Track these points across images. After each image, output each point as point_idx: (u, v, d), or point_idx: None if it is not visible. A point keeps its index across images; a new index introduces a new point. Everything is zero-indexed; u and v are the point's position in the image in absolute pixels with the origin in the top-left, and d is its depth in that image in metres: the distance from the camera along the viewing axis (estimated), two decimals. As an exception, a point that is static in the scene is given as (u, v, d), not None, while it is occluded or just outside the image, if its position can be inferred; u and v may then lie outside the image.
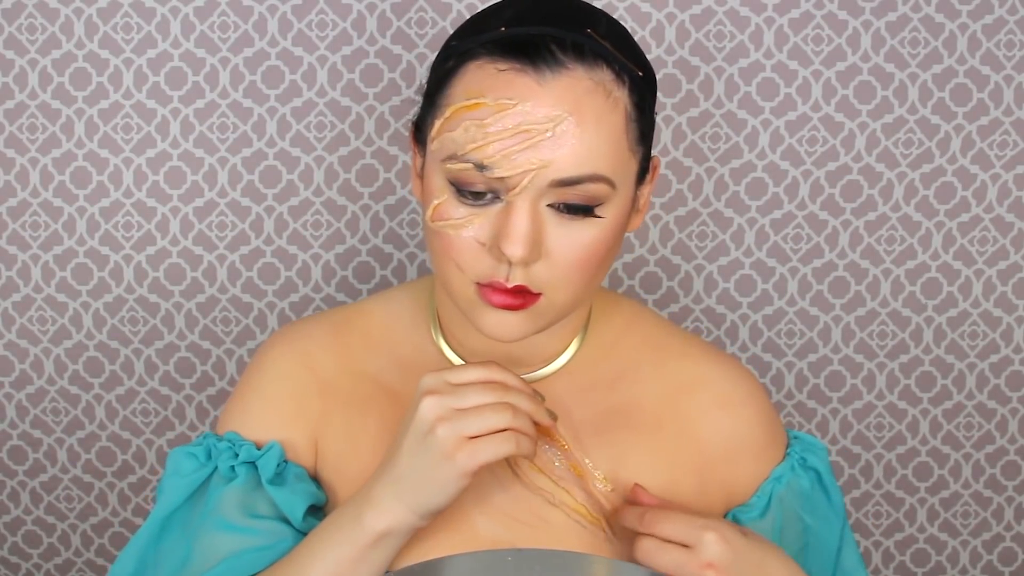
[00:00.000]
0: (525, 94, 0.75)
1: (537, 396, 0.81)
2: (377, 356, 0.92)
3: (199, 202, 1.27)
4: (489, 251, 0.77)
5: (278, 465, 0.87)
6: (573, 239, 0.77)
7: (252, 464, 0.88)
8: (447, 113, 0.77)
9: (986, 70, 1.25)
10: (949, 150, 1.28)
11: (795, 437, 0.94)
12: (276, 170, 1.27)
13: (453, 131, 0.76)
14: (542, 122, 0.74)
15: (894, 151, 1.28)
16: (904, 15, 1.24)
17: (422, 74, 1.24)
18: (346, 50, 1.23)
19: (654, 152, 1.30)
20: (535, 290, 0.78)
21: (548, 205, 0.76)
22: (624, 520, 0.83)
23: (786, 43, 1.24)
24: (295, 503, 0.86)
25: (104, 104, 1.24)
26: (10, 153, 1.25)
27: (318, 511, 0.90)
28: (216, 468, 0.88)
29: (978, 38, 1.25)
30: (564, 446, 0.87)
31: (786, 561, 0.83)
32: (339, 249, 1.29)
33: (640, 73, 0.79)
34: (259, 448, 0.88)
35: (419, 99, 0.83)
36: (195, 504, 0.89)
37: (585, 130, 0.75)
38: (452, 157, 0.76)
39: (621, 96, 0.77)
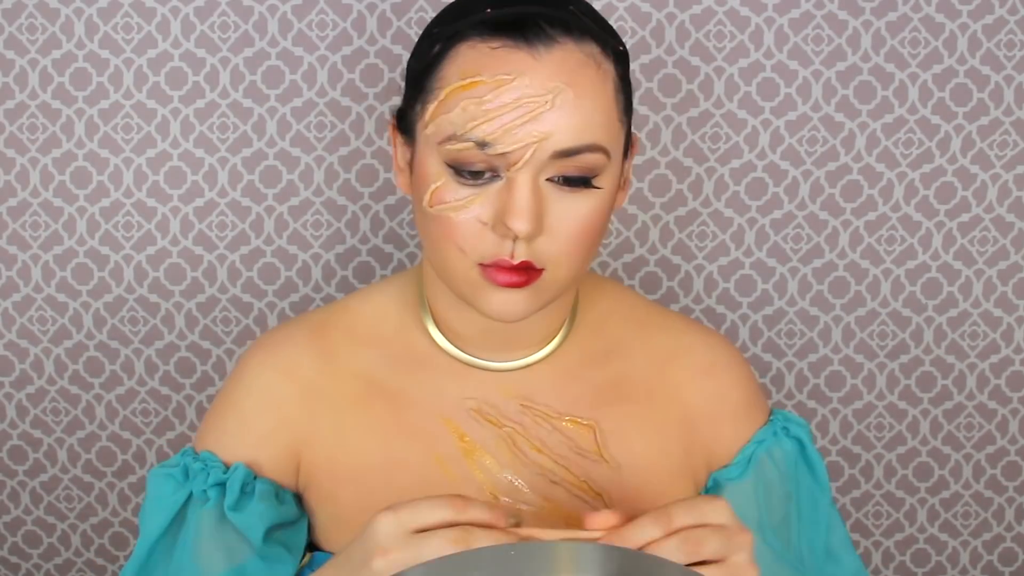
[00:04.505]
0: (522, 68, 0.76)
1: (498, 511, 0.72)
2: (365, 352, 0.91)
3: (199, 202, 1.27)
4: (492, 229, 0.78)
5: (245, 485, 0.87)
6: (573, 212, 0.78)
7: (222, 485, 0.88)
8: (442, 96, 0.78)
9: (986, 70, 1.25)
10: (949, 150, 1.28)
11: (779, 413, 0.96)
12: (276, 170, 1.27)
13: (450, 112, 0.77)
14: (541, 94, 0.75)
15: (894, 151, 1.28)
16: (904, 15, 1.24)
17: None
18: (346, 50, 1.23)
19: (654, 150, 1.30)
20: (538, 265, 0.79)
21: (547, 179, 0.78)
22: (635, 534, 0.69)
23: (786, 43, 1.24)
24: (255, 525, 0.86)
25: (104, 104, 1.24)
26: (10, 153, 1.25)
27: (286, 527, 0.90)
28: (192, 491, 0.89)
29: (978, 38, 1.24)
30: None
31: None
32: (339, 249, 1.29)
33: (620, 47, 0.82)
34: (228, 468, 0.89)
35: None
36: (177, 530, 0.89)
37: (582, 100, 0.76)
38: (451, 138, 0.77)
39: (609, 68, 0.79)
